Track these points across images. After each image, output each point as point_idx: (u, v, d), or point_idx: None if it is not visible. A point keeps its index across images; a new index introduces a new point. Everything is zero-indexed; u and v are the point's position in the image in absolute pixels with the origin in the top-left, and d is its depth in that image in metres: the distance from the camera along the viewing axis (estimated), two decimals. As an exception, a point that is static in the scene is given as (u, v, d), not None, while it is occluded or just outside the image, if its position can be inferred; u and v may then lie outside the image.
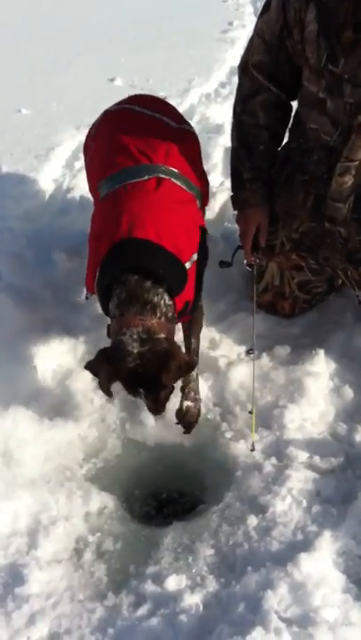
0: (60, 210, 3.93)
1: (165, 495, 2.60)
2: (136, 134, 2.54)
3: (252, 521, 2.28)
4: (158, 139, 2.51)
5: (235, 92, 2.82)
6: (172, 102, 5.12)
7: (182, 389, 2.58)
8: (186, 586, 2.09)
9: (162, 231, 2.25)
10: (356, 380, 2.76)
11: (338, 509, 2.29)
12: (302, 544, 2.17)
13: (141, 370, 2.11)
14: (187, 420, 2.58)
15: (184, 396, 2.58)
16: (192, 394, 2.59)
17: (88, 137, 2.92)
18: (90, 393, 2.75)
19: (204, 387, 2.73)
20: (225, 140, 4.42)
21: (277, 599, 1.97)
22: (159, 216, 2.29)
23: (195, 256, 2.37)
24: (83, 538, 2.33)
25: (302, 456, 2.48)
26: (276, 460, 2.47)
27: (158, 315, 2.15)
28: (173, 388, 2.27)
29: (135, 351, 2.09)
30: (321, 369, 2.77)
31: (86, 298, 2.62)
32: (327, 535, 2.17)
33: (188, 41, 6.51)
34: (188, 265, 2.32)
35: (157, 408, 2.27)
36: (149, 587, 2.10)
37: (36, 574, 2.14)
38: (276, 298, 3.01)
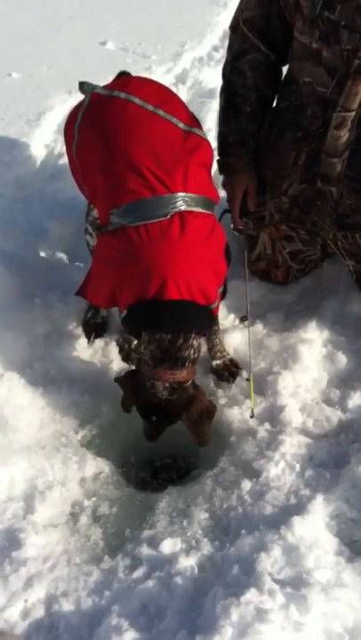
0: (51, 176, 3.89)
1: (160, 461, 2.63)
2: (144, 145, 2.34)
3: (246, 485, 2.30)
4: (172, 154, 2.35)
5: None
6: (165, 66, 5.14)
7: (209, 350, 2.73)
8: (181, 549, 2.12)
9: (193, 286, 2.25)
10: (349, 346, 2.77)
11: (331, 473, 2.32)
12: (295, 507, 2.19)
13: (164, 408, 2.34)
14: (224, 374, 2.72)
15: (213, 357, 2.73)
16: (218, 353, 2.73)
17: (71, 121, 2.58)
18: (84, 360, 2.76)
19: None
20: (217, 104, 4.36)
21: (271, 561, 2.00)
22: (189, 270, 2.25)
23: (221, 289, 2.42)
24: (79, 502, 2.35)
25: (296, 421, 2.50)
26: (270, 426, 2.49)
27: (187, 365, 2.27)
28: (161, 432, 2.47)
29: (163, 397, 2.30)
30: (314, 336, 2.78)
31: (76, 294, 2.62)
32: (320, 499, 2.20)
33: (180, 3, 6.38)
34: (215, 304, 2.38)
35: (154, 436, 2.47)
36: (145, 550, 2.13)
37: (32, 538, 2.16)
38: (269, 266, 3.00)
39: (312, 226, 2.79)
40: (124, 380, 2.41)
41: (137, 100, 2.43)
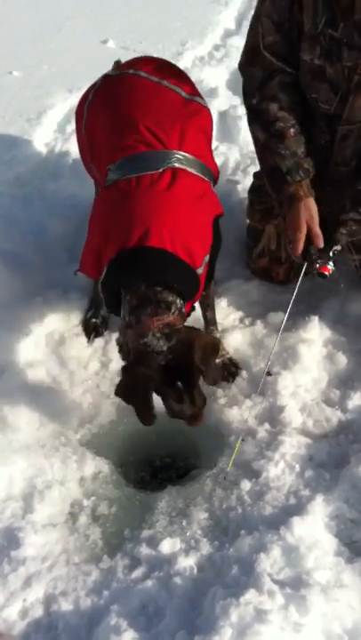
0: (51, 174, 3.88)
1: (160, 460, 2.62)
2: (145, 108, 2.40)
3: (246, 485, 2.30)
4: (171, 116, 2.39)
5: (241, 89, 2.64)
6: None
7: None
8: (180, 549, 2.12)
9: (176, 240, 2.16)
10: (349, 346, 2.77)
11: (330, 474, 2.32)
12: (295, 508, 2.19)
13: (175, 363, 2.05)
14: (223, 374, 2.67)
15: None
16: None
17: (82, 102, 2.72)
18: (84, 359, 2.75)
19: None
20: (219, 103, 4.37)
21: (270, 562, 1.99)
22: (174, 222, 2.18)
23: (206, 258, 2.32)
24: (78, 502, 2.35)
25: (296, 422, 2.50)
26: (270, 426, 2.49)
27: (173, 310, 2.11)
28: (205, 399, 2.18)
29: (165, 348, 2.04)
30: (315, 336, 2.78)
31: (75, 274, 2.57)
32: (320, 499, 2.20)
33: (180, 2, 6.38)
34: (200, 270, 2.27)
35: (196, 412, 2.15)
36: (144, 550, 2.13)
37: (31, 538, 2.16)
38: (271, 263, 3.00)
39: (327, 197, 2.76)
40: (121, 387, 2.13)
41: (143, 74, 2.54)
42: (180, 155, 2.32)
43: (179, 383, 2.08)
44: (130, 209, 2.21)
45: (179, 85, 2.55)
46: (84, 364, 2.74)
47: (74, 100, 4.67)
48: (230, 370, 2.71)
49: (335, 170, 2.63)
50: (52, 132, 4.37)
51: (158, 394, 2.11)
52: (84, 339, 2.82)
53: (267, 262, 3.00)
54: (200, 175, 2.37)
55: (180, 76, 2.67)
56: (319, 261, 2.44)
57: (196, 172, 2.35)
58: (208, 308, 2.68)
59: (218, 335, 2.72)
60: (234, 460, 2.34)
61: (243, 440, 2.42)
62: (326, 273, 2.45)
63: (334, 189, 2.65)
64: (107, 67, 4.42)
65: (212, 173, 2.49)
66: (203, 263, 2.29)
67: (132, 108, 2.42)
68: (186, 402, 2.10)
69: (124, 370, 2.13)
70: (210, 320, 2.71)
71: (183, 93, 2.53)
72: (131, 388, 2.11)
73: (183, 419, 2.17)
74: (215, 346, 2.21)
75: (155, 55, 5.15)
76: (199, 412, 2.16)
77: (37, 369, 2.69)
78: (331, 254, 2.46)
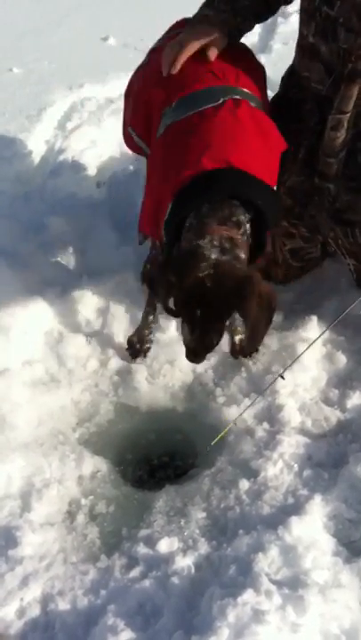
0: (52, 171, 3.88)
1: (158, 459, 2.62)
2: (199, 57, 2.28)
3: (244, 485, 2.29)
4: (225, 61, 2.30)
5: None
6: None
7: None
8: (178, 548, 2.11)
9: (258, 164, 2.03)
10: (348, 346, 2.76)
11: (329, 473, 2.31)
12: (293, 508, 2.18)
13: (210, 284, 1.77)
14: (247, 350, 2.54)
15: (234, 332, 2.57)
16: (239, 328, 2.55)
17: (132, 81, 2.63)
18: (83, 357, 2.75)
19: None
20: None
21: (268, 562, 1.99)
22: (247, 149, 2.04)
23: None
24: (76, 501, 2.34)
25: (294, 421, 2.48)
26: (268, 425, 2.47)
27: (242, 232, 1.88)
28: (221, 336, 1.94)
29: (213, 256, 1.79)
30: (314, 335, 2.76)
31: (140, 243, 2.40)
32: (318, 499, 2.19)
33: (182, -1, 6.37)
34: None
35: (199, 351, 1.94)
36: (142, 549, 2.12)
37: (29, 537, 2.16)
38: (269, 264, 2.98)
39: (310, 219, 2.76)
40: (163, 262, 1.93)
41: None
42: (239, 89, 2.23)
43: (198, 312, 1.82)
44: (200, 138, 2.03)
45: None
46: (82, 363, 2.73)
47: (74, 96, 4.68)
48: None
49: (324, 160, 2.57)
50: (53, 129, 4.36)
51: (174, 305, 1.87)
52: (82, 337, 2.81)
53: (264, 263, 2.99)
54: (259, 108, 2.27)
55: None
56: None
57: (257, 107, 2.25)
58: None
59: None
60: (229, 460, 2.34)
61: (235, 424, 2.43)
62: None
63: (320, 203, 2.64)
64: (107, 64, 4.43)
65: (266, 110, 2.36)
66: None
67: (188, 60, 2.28)
68: (196, 334, 1.86)
69: (165, 259, 1.95)
70: None
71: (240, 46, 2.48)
72: (153, 281, 1.96)
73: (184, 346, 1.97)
74: (271, 301, 1.89)
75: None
76: (201, 352, 1.95)
77: (36, 367, 2.68)
78: None
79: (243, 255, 1.86)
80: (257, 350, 2.09)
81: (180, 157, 2.04)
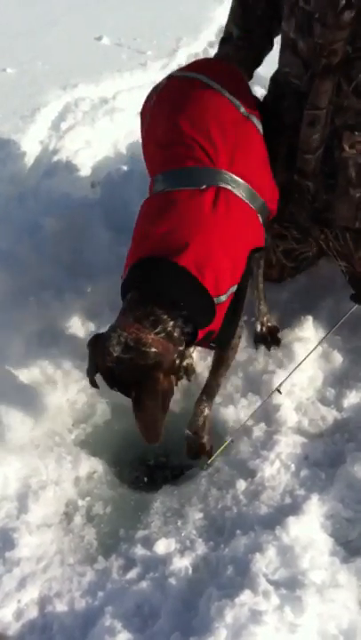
0: (46, 172, 3.87)
1: (154, 460, 2.61)
2: (201, 120, 2.28)
3: (241, 485, 2.30)
4: (225, 132, 2.27)
5: None
6: (160, 62, 5.12)
7: (189, 419, 2.46)
8: (175, 549, 2.11)
9: (204, 261, 2.05)
10: (344, 345, 2.76)
11: (326, 473, 2.31)
12: (290, 508, 2.19)
13: (117, 373, 2.01)
14: (188, 446, 2.46)
15: (188, 424, 2.45)
16: (192, 427, 2.43)
17: (147, 103, 2.58)
18: (78, 358, 2.74)
19: (194, 354, 2.73)
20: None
21: (265, 562, 1.99)
22: (207, 245, 2.07)
23: (234, 288, 2.17)
24: (72, 502, 2.35)
25: (291, 421, 2.49)
26: (266, 425, 2.48)
27: (159, 330, 1.99)
28: (160, 405, 2.04)
29: (114, 355, 1.98)
30: (310, 334, 2.77)
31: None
32: (315, 499, 2.19)
33: (175, -1, 6.37)
34: (223, 297, 2.12)
35: (137, 415, 2.04)
36: (139, 550, 2.12)
37: (26, 538, 2.16)
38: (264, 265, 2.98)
39: (290, 217, 2.75)
40: (93, 338, 2.11)
41: (204, 78, 2.39)
42: (228, 176, 2.21)
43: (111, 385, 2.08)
44: (164, 223, 2.11)
45: (239, 99, 2.38)
46: (78, 364, 2.72)
47: (68, 97, 4.67)
48: (274, 336, 2.74)
49: (301, 157, 2.55)
50: (47, 129, 4.35)
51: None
52: (78, 338, 2.80)
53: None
54: (246, 201, 2.25)
55: (241, 87, 2.48)
56: None
57: (243, 198, 2.23)
58: (211, 376, 2.44)
59: (205, 412, 2.42)
60: (226, 460, 2.35)
61: (232, 441, 2.42)
62: None
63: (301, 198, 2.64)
64: (101, 63, 4.41)
65: (263, 204, 2.34)
66: (228, 292, 2.14)
67: (185, 118, 2.29)
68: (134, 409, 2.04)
69: (93, 338, 2.12)
70: (207, 386, 2.44)
71: (242, 109, 2.36)
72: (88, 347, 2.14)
73: None
74: (165, 394, 2.04)
75: (149, 52, 5.23)
76: (138, 418, 2.05)
77: (31, 368, 2.67)
78: None
79: (153, 350, 1.97)
80: (156, 440, 2.09)
81: (143, 234, 2.15)
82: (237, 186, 2.21)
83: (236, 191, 2.20)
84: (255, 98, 2.51)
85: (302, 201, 2.65)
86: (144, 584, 2.01)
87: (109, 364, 2.00)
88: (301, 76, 2.46)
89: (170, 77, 2.54)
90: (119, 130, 4.28)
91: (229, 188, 2.18)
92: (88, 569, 2.11)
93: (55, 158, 3.99)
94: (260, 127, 2.41)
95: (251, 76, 2.71)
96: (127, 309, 2.03)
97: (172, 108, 2.36)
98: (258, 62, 2.74)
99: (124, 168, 3.76)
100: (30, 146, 4.14)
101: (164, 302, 2.01)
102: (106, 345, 1.99)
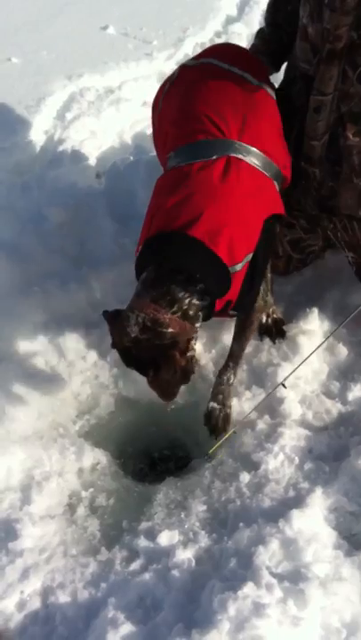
0: (51, 162, 3.85)
1: (158, 452, 2.61)
2: (211, 97, 2.34)
3: (245, 478, 2.29)
4: (235, 104, 2.32)
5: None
6: (166, 52, 5.09)
7: (212, 390, 2.49)
8: (178, 541, 2.11)
9: (217, 231, 2.08)
10: (349, 338, 2.74)
11: (330, 466, 2.30)
12: (294, 500, 2.18)
13: (134, 353, 2.08)
14: (211, 422, 2.47)
15: (211, 396, 2.48)
16: (220, 397, 2.47)
17: (160, 91, 2.64)
18: (83, 350, 2.73)
19: (198, 345, 2.72)
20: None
21: (269, 555, 1.98)
22: (219, 214, 2.10)
23: (249, 256, 2.18)
24: (76, 493, 2.35)
25: (295, 413, 2.48)
26: (270, 418, 2.47)
27: (175, 309, 2.03)
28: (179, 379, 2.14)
29: (132, 335, 2.03)
30: (315, 327, 2.76)
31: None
32: (319, 492, 2.18)
33: (182, -12, 6.32)
34: (239, 266, 2.14)
35: (155, 390, 2.16)
36: (142, 542, 2.12)
37: (29, 529, 2.16)
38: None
39: (297, 205, 2.74)
40: (110, 313, 2.16)
41: (215, 61, 2.46)
42: (239, 145, 2.24)
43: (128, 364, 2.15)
44: (177, 195, 2.14)
45: (249, 71, 2.43)
46: (82, 355, 2.72)
47: (73, 87, 4.65)
48: (279, 328, 2.73)
49: (307, 143, 2.56)
50: (52, 119, 4.33)
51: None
52: (82, 329, 2.79)
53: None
54: (258, 168, 2.27)
55: (250, 60, 2.55)
56: None
57: (254, 165, 2.25)
58: (234, 343, 2.48)
59: (232, 380, 2.47)
60: (230, 453, 2.35)
61: (235, 432, 2.42)
62: None
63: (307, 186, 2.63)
64: (106, 53, 4.39)
65: (277, 169, 2.36)
66: (243, 260, 2.16)
67: (198, 99, 2.35)
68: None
69: (113, 314, 2.14)
70: (232, 352, 2.48)
71: (252, 80, 2.42)
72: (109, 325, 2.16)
73: None
74: (184, 376, 2.14)
75: (155, 42, 5.19)
76: (160, 394, 2.17)
77: (36, 359, 2.67)
78: None
79: (170, 330, 2.02)
80: (171, 398, 2.21)
81: (160, 209, 2.17)
82: (249, 154, 2.24)
83: (248, 159, 2.23)
84: (268, 71, 2.56)
85: (309, 188, 2.65)
86: (147, 576, 2.01)
87: (127, 344, 2.06)
88: (310, 60, 2.48)
89: (183, 67, 2.59)
90: (125, 120, 4.26)
91: (240, 156, 2.21)
92: (91, 560, 2.11)
93: (60, 148, 3.97)
94: (272, 94, 2.45)
95: (278, 69, 2.76)
96: (143, 289, 2.06)
97: (186, 90, 2.43)
98: (285, 56, 2.75)
99: (130, 158, 3.75)
100: (35, 136, 4.12)
101: (180, 279, 2.04)
102: (124, 324, 2.03)
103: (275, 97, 2.46)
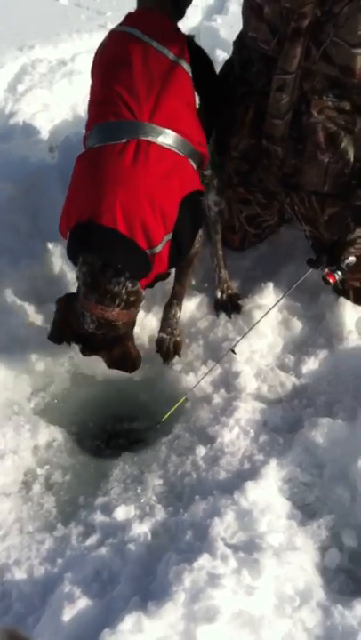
0: (1, 136, 3.78)
1: (114, 428, 2.60)
2: (126, 74, 2.32)
3: (201, 451, 2.30)
4: (150, 81, 2.30)
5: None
6: (115, 24, 4.98)
7: (161, 324, 2.65)
8: (135, 515, 2.12)
9: (131, 217, 2.16)
10: (304, 312, 2.77)
11: (284, 438, 2.33)
12: (249, 472, 2.20)
13: (91, 343, 2.36)
14: (163, 349, 2.63)
15: (160, 329, 2.64)
16: (168, 328, 2.63)
17: (94, 61, 2.60)
18: (37, 326, 2.70)
19: (154, 320, 2.72)
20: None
21: (224, 526, 2.00)
22: (131, 200, 2.17)
23: (169, 235, 2.27)
24: (31, 471, 2.34)
25: (250, 387, 2.50)
26: (225, 392, 2.48)
27: (118, 303, 2.22)
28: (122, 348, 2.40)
29: (90, 330, 2.27)
30: (270, 301, 2.76)
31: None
32: (273, 463, 2.21)
33: None
34: (158, 248, 2.24)
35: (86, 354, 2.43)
36: (98, 517, 2.12)
37: (-16, 507, 2.14)
38: (225, 231, 2.96)
39: (259, 183, 2.75)
40: (62, 302, 2.38)
41: (137, 33, 2.42)
42: (149, 127, 2.25)
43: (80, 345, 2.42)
44: (88, 180, 2.24)
45: (167, 46, 2.39)
46: (36, 332, 2.68)
47: (24, 58, 4.55)
48: (234, 303, 2.77)
49: (270, 122, 2.55)
50: (2, 91, 4.25)
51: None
52: (35, 305, 2.75)
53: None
54: (171, 148, 2.28)
55: (170, 35, 2.48)
56: (329, 268, 2.45)
57: (166, 145, 2.27)
58: (177, 283, 2.63)
59: (177, 314, 2.65)
60: (186, 427, 2.37)
61: (187, 399, 2.46)
62: (331, 281, 2.44)
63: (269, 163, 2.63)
64: (59, 24, 4.29)
65: (192, 147, 2.38)
66: (162, 242, 2.25)
67: (114, 75, 2.35)
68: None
69: (69, 300, 2.36)
70: (175, 292, 2.64)
71: (170, 55, 2.38)
72: (57, 309, 2.41)
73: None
74: (135, 363, 2.44)
75: (109, 13, 5.10)
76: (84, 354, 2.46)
77: (-11, 336, 2.63)
78: (343, 266, 2.44)
79: (120, 322, 2.29)
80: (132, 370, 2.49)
81: (78, 195, 2.29)
82: (161, 134, 2.27)
83: (159, 140, 2.26)
84: (185, 42, 2.49)
85: (270, 166, 2.64)
86: (103, 550, 2.01)
87: (83, 333, 2.30)
88: (269, 41, 2.44)
89: (111, 33, 2.57)
90: (78, 93, 4.18)
91: (150, 138, 2.24)
92: (47, 536, 2.11)
93: (11, 121, 3.89)
94: (188, 70, 2.43)
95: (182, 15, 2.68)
96: (88, 291, 2.23)
97: (107, 66, 2.43)
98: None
99: (83, 131, 3.68)
100: (-14, 109, 4.03)
101: (110, 275, 2.19)
102: (82, 320, 2.26)
103: (190, 73, 2.43)
